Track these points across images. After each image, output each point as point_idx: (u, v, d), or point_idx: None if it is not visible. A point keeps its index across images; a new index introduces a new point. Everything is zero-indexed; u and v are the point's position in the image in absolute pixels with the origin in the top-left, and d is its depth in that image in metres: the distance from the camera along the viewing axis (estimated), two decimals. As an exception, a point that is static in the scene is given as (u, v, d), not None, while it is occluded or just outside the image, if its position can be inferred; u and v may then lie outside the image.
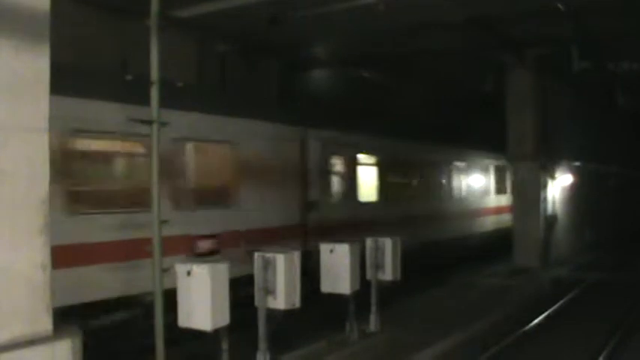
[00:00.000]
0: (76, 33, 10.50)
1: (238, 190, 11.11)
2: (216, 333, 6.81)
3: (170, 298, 6.81)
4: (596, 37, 14.63)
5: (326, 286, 9.07)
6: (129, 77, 9.62)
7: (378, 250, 9.79)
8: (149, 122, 7.00)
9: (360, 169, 14.87)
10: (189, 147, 10.21)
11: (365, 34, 14.10)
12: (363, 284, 9.37)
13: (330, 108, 16.02)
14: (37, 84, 5.30)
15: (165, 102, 7.11)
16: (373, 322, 9.82)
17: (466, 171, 20.78)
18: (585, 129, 22.87)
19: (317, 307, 9.12)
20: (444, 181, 19.32)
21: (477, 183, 21.75)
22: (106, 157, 9.53)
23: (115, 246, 8.84)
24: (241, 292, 8.66)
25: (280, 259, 7.48)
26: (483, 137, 21.05)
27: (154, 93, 6.98)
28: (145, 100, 7.04)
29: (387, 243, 9.84)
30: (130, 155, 9.68)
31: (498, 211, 22.49)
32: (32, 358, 4.98)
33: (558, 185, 19.72)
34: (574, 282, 15.32)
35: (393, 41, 15.10)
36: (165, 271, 6.84)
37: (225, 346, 7.01)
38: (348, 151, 14.33)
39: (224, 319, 6.77)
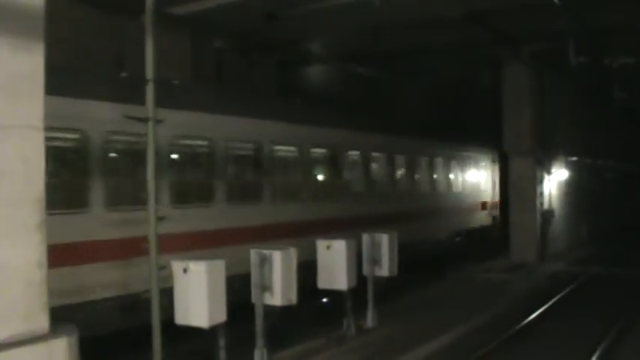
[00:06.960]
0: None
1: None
2: (214, 330, 6.83)
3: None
4: (592, 32, 14.63)
5: (322, 283, 9.07)
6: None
7: (375, 245, 9.76)
8: (145, 120, 6.99)
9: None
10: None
11: (363, 30, 14.08)
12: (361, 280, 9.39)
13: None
14: (32, 82, 5.27)
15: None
16: (370, 318, 9.83)
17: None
18: (582, 124, 22.86)
19: (314, 303, 9.13)
20: None
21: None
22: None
23: None
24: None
25: (277, 256, 7.48)
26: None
27: (149, 91, 6.95)
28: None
29: (384, 238, 9.80)
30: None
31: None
32: (29, 357, 4.97)
33: (555, 180, 19.74)
34: (571, 277, 15.33)
35: (392, 38, 15.08)
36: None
37: (222, 343, 7.02)
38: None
39: (221, 316, 6.78)
